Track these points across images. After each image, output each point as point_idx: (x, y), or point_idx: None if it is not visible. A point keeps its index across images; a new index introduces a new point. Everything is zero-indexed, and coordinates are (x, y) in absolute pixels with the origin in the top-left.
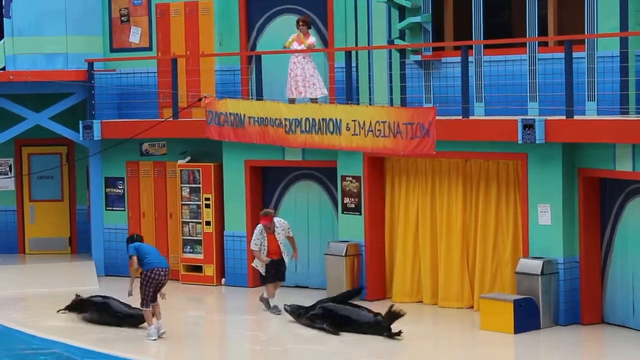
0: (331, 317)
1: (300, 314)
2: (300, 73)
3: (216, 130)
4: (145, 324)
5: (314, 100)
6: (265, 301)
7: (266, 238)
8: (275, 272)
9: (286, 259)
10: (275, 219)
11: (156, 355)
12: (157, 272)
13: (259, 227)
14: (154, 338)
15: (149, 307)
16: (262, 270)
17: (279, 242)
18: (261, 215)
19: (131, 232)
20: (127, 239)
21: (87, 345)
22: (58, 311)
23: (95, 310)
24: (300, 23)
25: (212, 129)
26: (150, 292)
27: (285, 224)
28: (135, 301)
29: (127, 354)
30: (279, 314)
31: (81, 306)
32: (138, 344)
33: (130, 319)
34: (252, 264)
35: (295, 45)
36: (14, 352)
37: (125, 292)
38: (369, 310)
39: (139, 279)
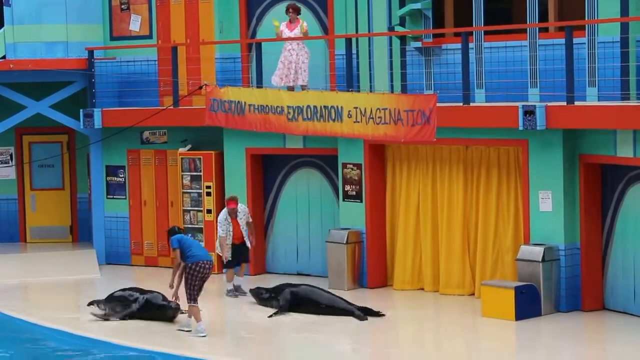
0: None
1: (261, 296)
2: (294, 60)
3: (222, 118)
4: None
5: (304, 87)
6: (231, 291)
7: (231, 224)
8: (238, 257)
9: (248, 243)
10: (240, 205)
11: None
12: (202, 265)
13: (223, 213)
14: (203, 334)
15: (197, 302)
16: (227, 256)
17: (241, 227)
18: (228, 200)
19: (133, 220)
20: (167, 232)
21: (103, 336)
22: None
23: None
24: (290, 10)
25: (218, 116)
26: (197, 286)
27: (246, 209)
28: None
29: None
30: (245, 294)
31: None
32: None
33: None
34: (216, 250)
35: (286, 32)
36: (21, 344)
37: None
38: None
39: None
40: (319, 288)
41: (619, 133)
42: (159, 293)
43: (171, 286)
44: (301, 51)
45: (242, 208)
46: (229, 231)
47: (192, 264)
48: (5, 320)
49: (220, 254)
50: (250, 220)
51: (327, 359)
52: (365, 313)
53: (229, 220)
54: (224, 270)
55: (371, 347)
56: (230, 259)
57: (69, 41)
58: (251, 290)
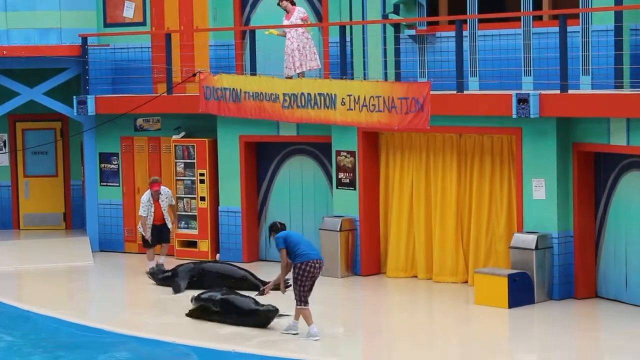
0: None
1: (157, 277)
2: (297, 47)
3: (215, 105)
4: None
5: (300, 74)
6: (151, 272)
7: (153, 205)
8: (158, 237)
9: (169, 225)
10: (161, 188)
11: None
12: (313, 265)
13: (147, 194)
14: (316, 338)
15: (307, 304)
16: (147, 235)
17: (162, 209)
18: (151, 182)
19: (126, 207)
20: (269, 229)
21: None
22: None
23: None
24: (283, 2)
25: (211, 104)
26: (307, 287)
27: (169, 192)
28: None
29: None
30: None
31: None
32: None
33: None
34: (138, 228)
35: (284, 22)
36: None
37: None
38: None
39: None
40: (227, 263)
41: (613, 121)
42: (250, 297)
43: (282, 290)
44: (300, 37)
45: (165, 191)
46: (151, 212)
47: (301, 264)
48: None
49: (143, 234)
50: (174, 203)
51: (318, 344)
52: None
53: (152, 202)
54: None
55: (364, 334)
56: (150, 238)
57: (62, 28)
58: (147, 272)
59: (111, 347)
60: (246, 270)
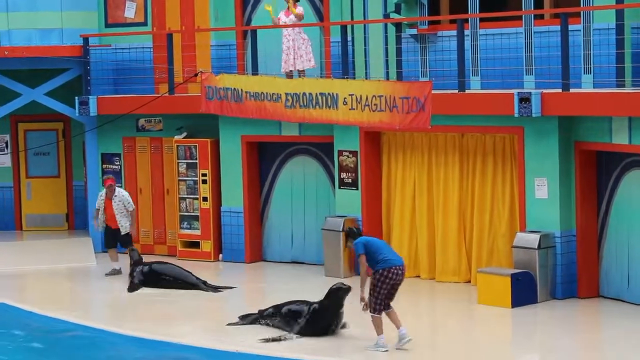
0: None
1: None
2: (291, 45)
3: (217, 105)
4: None
5: (301, 73)
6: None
7: (104, 202)
8: (112, 240)
9: (122, 230)
10: (118, 189)
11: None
12: (395, 272)
13: (104, 190)
14: (385, 349)
15: (381, 314)
16: (97, 227)
17: (115, 212)
18: (104, 178)
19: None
20: (346, 235)
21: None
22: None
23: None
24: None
25: (213, 104)
26: (384, 296)
27: (124, 196)
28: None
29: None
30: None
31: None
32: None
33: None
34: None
35: (283, 17)
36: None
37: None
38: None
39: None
40: (169, 264)
41: (615, 120)
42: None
43: (362, 299)
44: (297, 36)
45: (121, 194)
46: (102, 207)
47: (383, 270)
48: (2, 309)
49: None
50: (132, 209)
51: (324, 346)
52: (215, 288)
53: (103, 197)
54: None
55: (367, 334)
56: (102, 232)
57: (63, 28)
58: (106, 274)
59: (113, 348)
60: (187, 271)
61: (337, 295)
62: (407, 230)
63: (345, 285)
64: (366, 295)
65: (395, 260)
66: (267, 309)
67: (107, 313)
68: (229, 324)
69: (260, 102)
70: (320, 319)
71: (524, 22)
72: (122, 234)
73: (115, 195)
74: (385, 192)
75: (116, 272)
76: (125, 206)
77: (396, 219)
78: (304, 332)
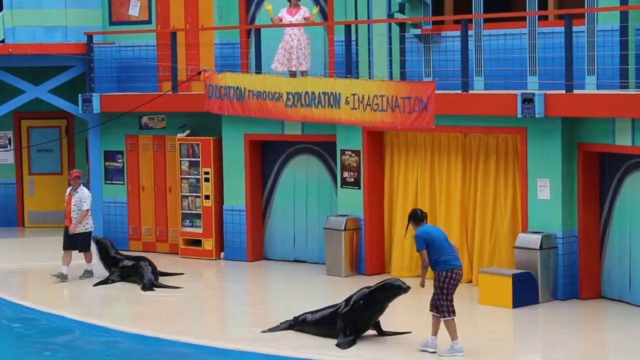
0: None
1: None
2: (295, 45)
3: (216, 104)
4: None
5: (303, 73)
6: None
7: (67, 198)
8: (67, 241)
9: (79, 228)
10: (82, 187)
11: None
12: (457, 272)
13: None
14: (462, 354)
15: (454, 316)
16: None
17: (72, 208)
18: (71, 172)
19: (131, 205)
20: (409, 217)
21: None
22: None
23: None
24: None
25: (213, 102)
26: (451, 296)
27: (83, 194)
28: None
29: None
30: (92, 276)
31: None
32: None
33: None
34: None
35: (288, 16)
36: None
37: None
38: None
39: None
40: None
41: (618, 121)
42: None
43: (422, 285)
44: (302, 36)
45: (83, 192)
46: (65, 202)
47: (446, 272)
48: (4, 305)
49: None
50: (84, 208)
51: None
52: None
53: (68, 193)
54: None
55: (371, 334)
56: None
57: (67, 25)
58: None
59: (114, 345)
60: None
61: (392, 292)
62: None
63: (405, 285)
64: (424, 280)
65: (456, 261)
66: (299, 316)
67: (106, 309)
68: (263, 331)
69: (262, 101)
70: (370, 307)
71: (528, 23)
72: (71, 232)
73: (77, 191)
74: (387, 191)
75: (63, 278)
76: (81, 203)
77: (398, 218)
78: (350, 318)
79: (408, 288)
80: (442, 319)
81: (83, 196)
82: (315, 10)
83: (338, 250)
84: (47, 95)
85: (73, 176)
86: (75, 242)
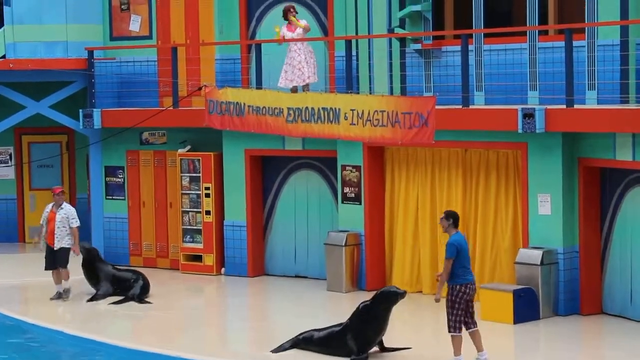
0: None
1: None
2: (303, 59)
3: (217, 120)
4: None
5: (305, 88)
6: (57, 294)
7: (48, 214)
8: (50, 260)
9: (56, 245)
10: (65, 203)
11: (152, 344)
12: (471, 287)
13: (50, 204)
14: None
15: (461, 332)
16: (36, 241)
17: (56, 226)
18: (53, 188)
19: (131, 221)
20: (451, 215)
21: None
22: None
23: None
24: (290, 11)
25: (214, 118)
26: (462, 312)
27: (69, 211)
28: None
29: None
30: (67, 299)
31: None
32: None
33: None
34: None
35: (288, 33)
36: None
37: None
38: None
39: None
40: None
41: (618, 136)
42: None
43: (438, 300)
44: (306, 49)
45: (67, 207)
46: (45, 220)
47: (460, 286)
48: (4, 321)
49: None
50: (74, 226)
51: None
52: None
53: (49, 210)
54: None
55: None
56: (41, 249)
57: (68, 41)
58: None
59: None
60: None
61: (390, 300)
62: (409, 245)
63: (400, 290)
64: (440, 296)
65: (470, 276)
66: (304, 333)
67: (105, 325)
68: (272, 351)
69: (262, 117)
70: (373, 319)
71: (529, 38)
72: (56, 248)
73: (62, 208)
74: (388, 207)
75: (61, 296)
76: (69, 221)
77: (399, 234)
78: (356, 334)
79: (404, 293)
80: (450, 333)
81: (70, 213)
82: (304, 24)
83: (339, 266)
84: (48, 111)
85: (57, 191)
86: (55, 259)
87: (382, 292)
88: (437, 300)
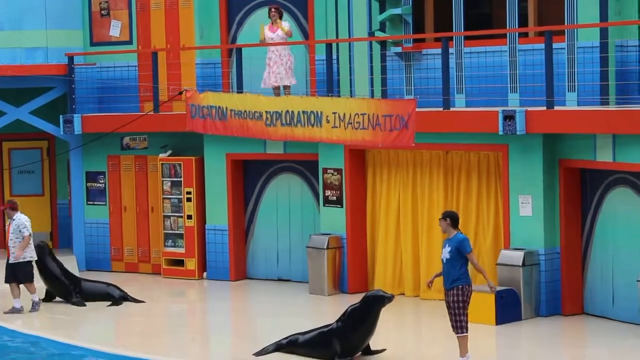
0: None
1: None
2: (278, 61)
3: (200, 124)
4: None
5: (286, 89)
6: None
7: (7, 228)
8: (8, 273)
9: (11, 258)
10: (19, 213)
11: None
12: (471, 290)
13: None
14: None
15: (467, 332)
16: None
17: (9, 236)
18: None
19: (113, 226)
20: (449, 215)
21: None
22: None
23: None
24: (273, 11)
25: (196, 122)
26: (467, 312)
27: (21, 220)
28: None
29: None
30: (36, 311)
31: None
32: None
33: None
34: None
35: (269, 33)
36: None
37: None
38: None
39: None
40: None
41: (599, 137)
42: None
43: (492, 287)
44: (284, 51)
45: (19, 217)
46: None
47: (468, 286)
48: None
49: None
50: (26, 234)
51: None
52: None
53: (8, 223)
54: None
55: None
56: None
57: (48, 47)
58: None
59: None
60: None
61: (376, 303)
62: (391, 247)
63: (388, 294)
64: (489, 285)
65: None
66: (289, 337)
67: (84, 328)
68: (255, 354)
69: (243, 120)
70: (360, 323)
71: (509, 40)
72: (11, 261)
73: (13, 219)
74: (370, 209)
75: (16, 311)
76: (20, 230)
77: (381, 236)
78: (343, 337)
79: (392, 297)
80: (457, 335)
81: (21, 222)
82: (286, 28)
83: (321, 269)
84: (28, 117)
85: (5, 207)
86: (15, 273)
87: (369, 295)
88: (493, 288)
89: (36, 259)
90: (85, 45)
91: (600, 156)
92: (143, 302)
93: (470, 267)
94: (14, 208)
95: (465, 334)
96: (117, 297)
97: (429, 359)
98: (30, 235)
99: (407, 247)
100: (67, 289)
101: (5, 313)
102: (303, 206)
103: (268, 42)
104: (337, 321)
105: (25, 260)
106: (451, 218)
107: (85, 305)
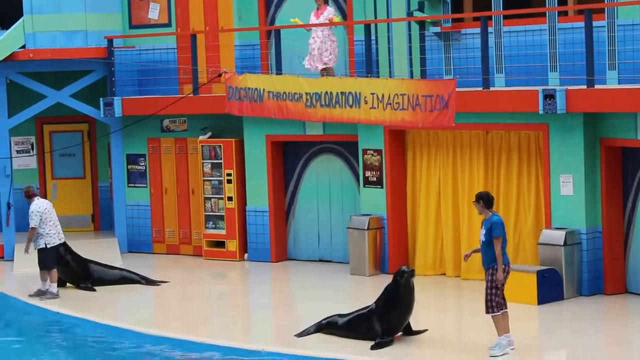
0: None
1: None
2: (318, 47)
3: (235, 106)
4: None
5: (324, 72)
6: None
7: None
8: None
9: (28, 246)
10: (34, 200)
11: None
12: (510, 269)
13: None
14: (511, 347)
15: (500, 311)
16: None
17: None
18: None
19: (154, 208)
20: (482, 197)
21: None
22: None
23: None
24: None
25: (232, 104)
26: (502, 292)
27: (32, 208)
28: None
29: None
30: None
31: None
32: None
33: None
34: None
35: (312, 19)
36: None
37: None
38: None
39: None
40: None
41: None
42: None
43: (500, 280)
44: (326, 38)
45: (33, 205)
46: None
47: (505, 266)
48: (28, 310)
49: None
50: (31, 225)
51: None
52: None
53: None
54: None
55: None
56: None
57: (88, 30)
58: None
59: (140, 348)
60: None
61: (398, 279)
62: (432, 228)
63: (408, 268)
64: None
65: (508, 257)
66: (328, 318)
67: (129, 313)
68: (296, 335)
69: (282, 102)
70: (393, 300)
71: (548, 19)
72: (25, 252)
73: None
74: (410, 190)
75: (41, 294)
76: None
77: (421, 217)
78: (381, 317)
79: (412, 270)
80: (491, 314)
81: (32, 210)
82: (337, 18)
83: (362, 250)
84: (69, 100)
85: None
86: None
87: (396, 274)
88: (502, 282)
89: (54, 244)
90: (125, 28)
91: None
92: (161, 283)
93: (508, 246)
94: (28, 195)
95: (496, 314)
96: (136, 280)
97: (470, 339)
98: (33, 227)
99: (448, 227)
100: (79, 274)
101: (29, 295)
102: (343, 187)
103: (306, 24)
104: (375, 302)
105: (40, 247)
106: (484, 199)
107: (95, 290)
